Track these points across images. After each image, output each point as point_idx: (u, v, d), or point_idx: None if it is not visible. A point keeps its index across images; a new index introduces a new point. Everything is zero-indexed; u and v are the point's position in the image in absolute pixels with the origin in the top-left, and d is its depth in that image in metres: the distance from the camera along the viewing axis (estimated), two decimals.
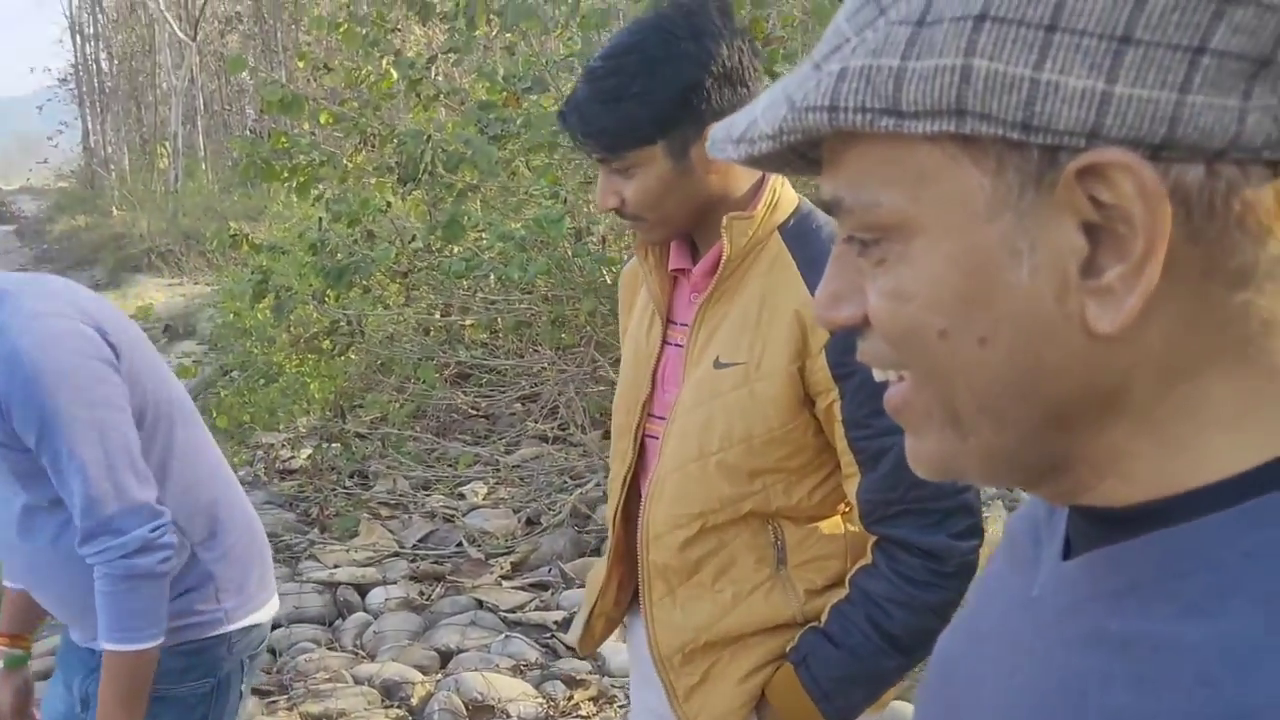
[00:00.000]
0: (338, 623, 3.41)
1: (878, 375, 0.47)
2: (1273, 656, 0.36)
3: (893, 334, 0.45)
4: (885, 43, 0.41)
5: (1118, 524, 0.44)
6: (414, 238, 5.20)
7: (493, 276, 4.71)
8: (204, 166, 17.66)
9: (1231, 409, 0.41)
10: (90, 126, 22.20)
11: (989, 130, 0.40)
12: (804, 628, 1.26)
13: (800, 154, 0.45)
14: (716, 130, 0.47)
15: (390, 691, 2.91)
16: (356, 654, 3.20)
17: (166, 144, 17.59)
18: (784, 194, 1.27)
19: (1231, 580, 0.39)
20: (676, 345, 1.32)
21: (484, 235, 4.92)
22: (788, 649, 1.26)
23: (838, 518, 1.28)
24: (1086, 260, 0.40)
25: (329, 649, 3.20)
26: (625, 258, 4.92)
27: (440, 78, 6.45)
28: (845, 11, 0.44)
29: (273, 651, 3.21)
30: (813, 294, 1.23)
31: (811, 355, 1.19)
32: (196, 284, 12.31)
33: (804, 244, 1.24)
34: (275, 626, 3.34)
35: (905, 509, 1.18)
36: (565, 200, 4.71)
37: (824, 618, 1.24)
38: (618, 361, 5.22)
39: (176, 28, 17.66)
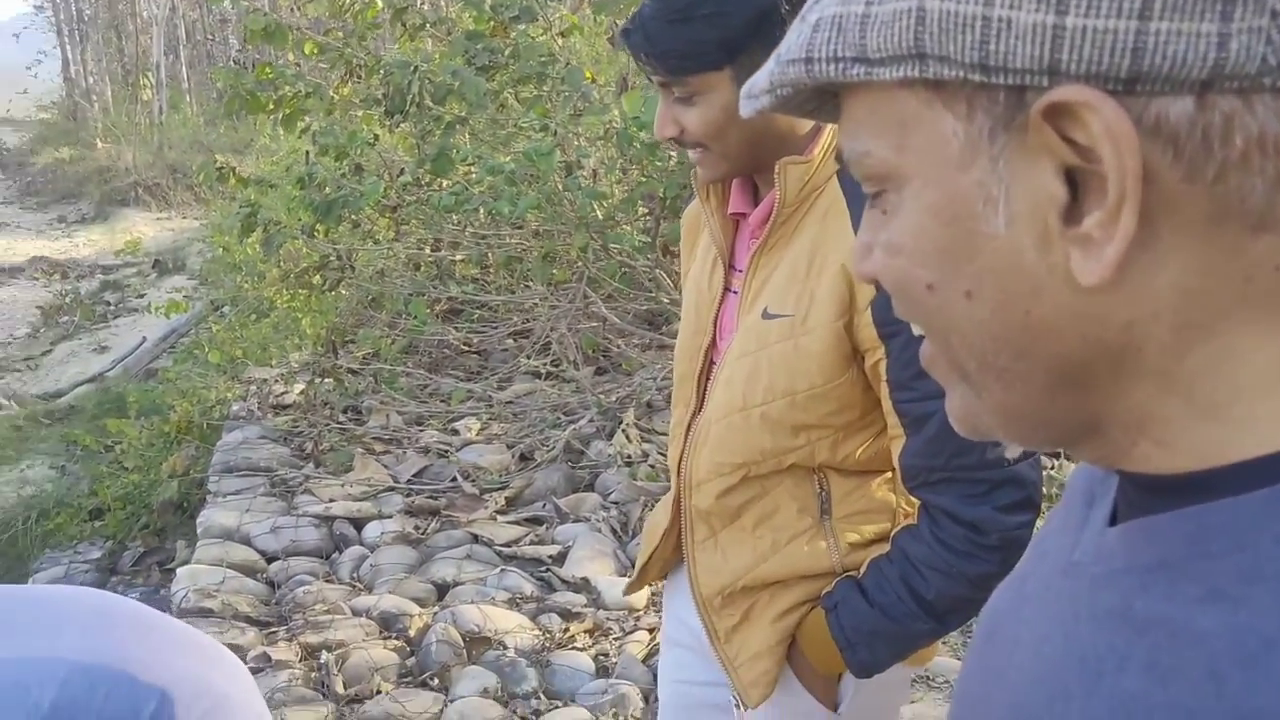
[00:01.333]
0: (334, 556, 3.45)
1: (914, 330, 0.46)
2: None
3: (891, 288, 0.44)
4: None
5: (1159, 493, 0.41)
6: (402, 171, 5.15)
7: (482, 211, 4.67)
8: (188, 98, 17.36)
9: (1274, 374, 0.38)
10: (70, 56, 21.73)
11: (950, 73, 0.38)
12: (842, 575, 1.25)
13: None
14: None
15: (388, 623, 2.96)
16: (354, 586, 3.24)
17: (149, 75, 17.25)
18: None
19: (1259, 566, 0.36)
20: (735, 292, 1.28)
21: (473, 169, 4.87)
22: (823, 593, 1.26)
23: (890, 474, 1.25)
24: (1067, 207, 0.38)
25: (326, 581, 3.25)
26: (617, 192, 4.88)
27: (426, 6, 6.31)
28: None
29: (271, 584, 3.26)
30: None
31: (858, 311, 1.14)
32: (184, 218, 12.21)
33: (860, 191, 1.18)
34: (273, 560, 3.40)
35: (949, 477, 1.14)
36: (555, 133, 4.65)
37: (862, 569, 1.23)
38: (609, 298, 5.21)
39: None
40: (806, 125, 1.20)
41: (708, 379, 1.32)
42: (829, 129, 1.21)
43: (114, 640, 0.95)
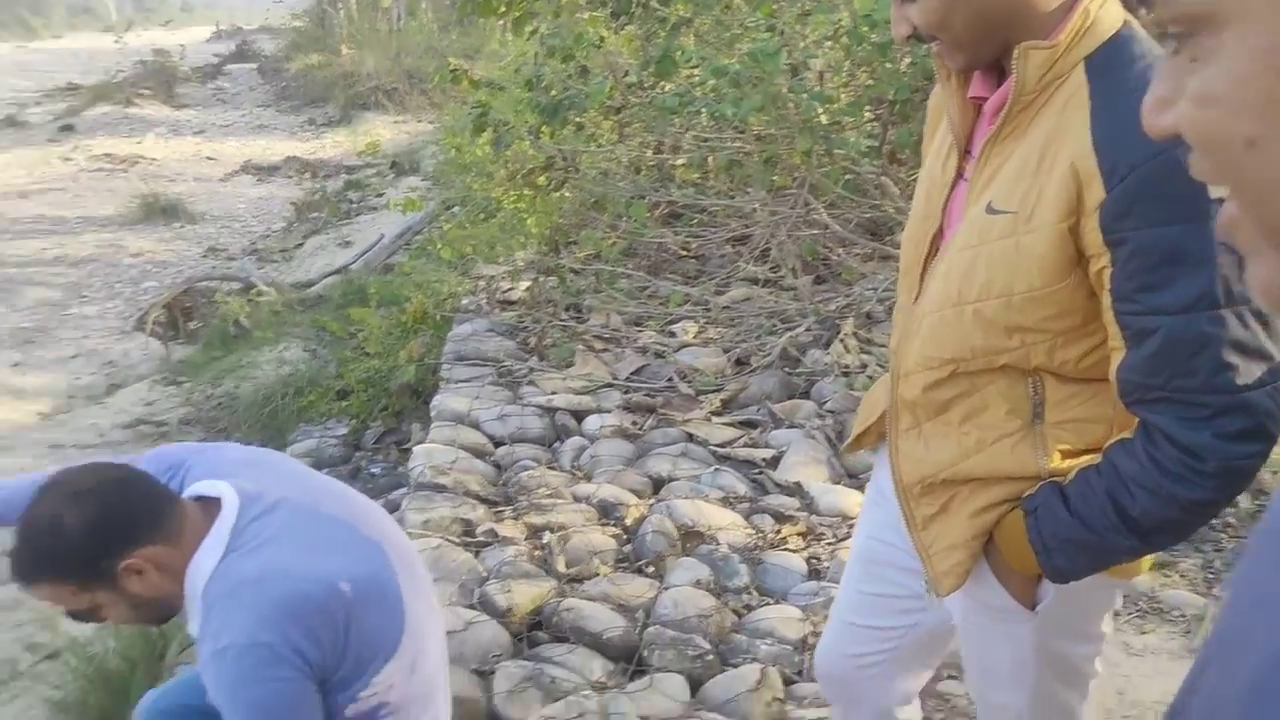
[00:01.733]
0: (556, 445, 3.62)
1: (1212, 192, 0.43)
2: None
3: (1198, 143, 0.40)
4: None
5: None
6: (627, 73, 5.17)
7: (705, 114, 4.64)
8: (424, 5, 17.99)
9: None
10: None
11: None
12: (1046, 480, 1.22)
13: None
14: None
15: (606, 511, 3.09)
16: (574, 474, 3.40)
17: None
18: (1101, 17, 1.11)
19: None
20: (968, 179, 1.24)
21: (697, 71, 4.82)
22: (1025, 495, 1.23)
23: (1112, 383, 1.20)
24: None
25: (549, 468, 3.42)
26: (843, 96, 4.72)
27: None
28: None
29: (498, 466, 3.47)
30: (1097, 141, 1.13)
31: (1086, 214, 1.08)
32: (419, 122, 12.79)
33: (1109, 80, 1.09)
34: (499, 444, 3.62)
35: (1167, 397, 1.08)
36: (782, 33, 4.53)
37: (1069, 476, 1.20)
38: (831, 205, 5.08)
39: None
40: (1051, 5, 1.12)
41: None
42: (1079, 12, 1.11)
43: (390, 561, 1.28)
